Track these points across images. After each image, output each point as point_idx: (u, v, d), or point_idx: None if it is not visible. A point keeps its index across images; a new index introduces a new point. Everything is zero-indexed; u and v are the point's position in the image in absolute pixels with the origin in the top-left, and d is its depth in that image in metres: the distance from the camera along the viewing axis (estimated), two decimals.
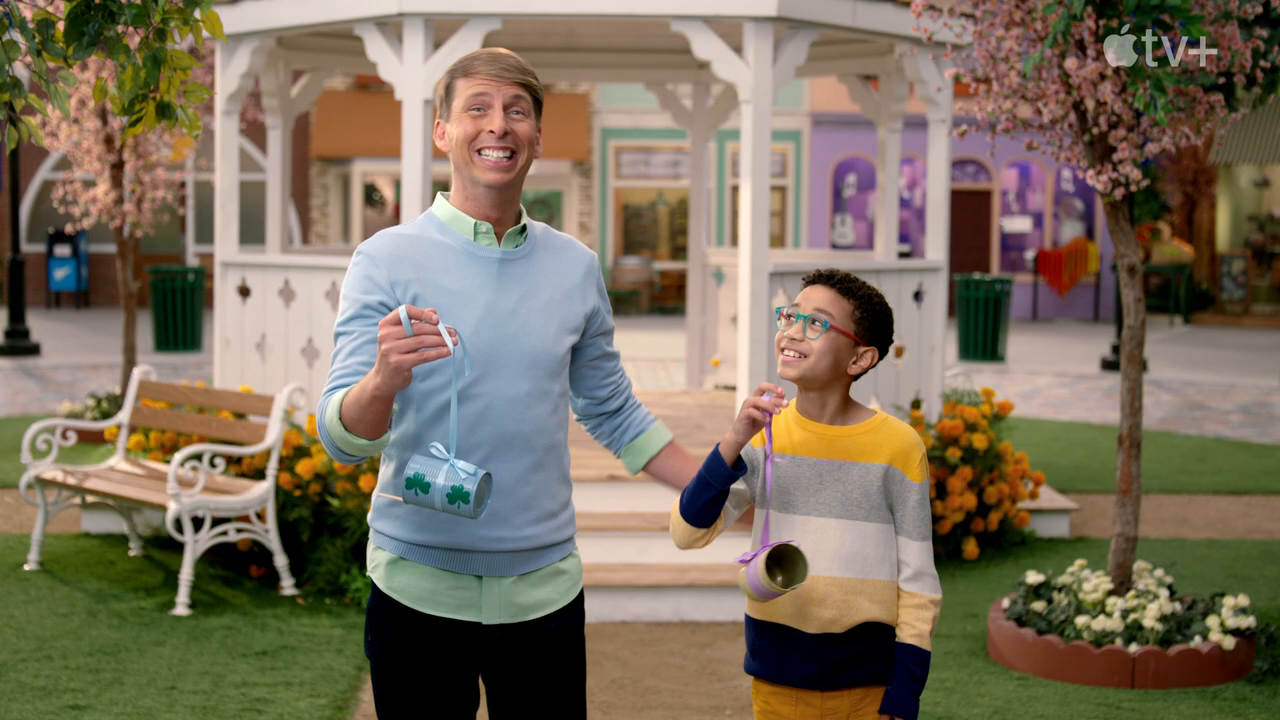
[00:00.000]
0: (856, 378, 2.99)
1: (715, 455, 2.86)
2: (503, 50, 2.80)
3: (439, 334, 2.45)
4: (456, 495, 2.56)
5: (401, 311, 2.43)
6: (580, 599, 2.96)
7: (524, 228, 2.83)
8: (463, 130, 2.74)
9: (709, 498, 2.88)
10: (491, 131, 2.71)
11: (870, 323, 2.98)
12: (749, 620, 3.05)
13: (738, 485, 2.98)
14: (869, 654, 2.97)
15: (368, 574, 2.92)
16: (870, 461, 2.94)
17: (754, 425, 2.80)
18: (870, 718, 2.99)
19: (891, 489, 2.96)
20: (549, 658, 2.87)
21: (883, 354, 3.02)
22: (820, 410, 2.99)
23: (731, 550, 6.78)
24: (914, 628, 2.96)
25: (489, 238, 2.78)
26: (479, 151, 2.73)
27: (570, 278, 2.87)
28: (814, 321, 2.93)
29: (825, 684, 2.96)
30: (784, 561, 2.85)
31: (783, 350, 2.96)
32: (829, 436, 2.97)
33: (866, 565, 2.94)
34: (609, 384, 3.04)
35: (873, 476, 2.94)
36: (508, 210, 2.80)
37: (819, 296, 2.96)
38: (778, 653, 2.98)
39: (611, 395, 3.05)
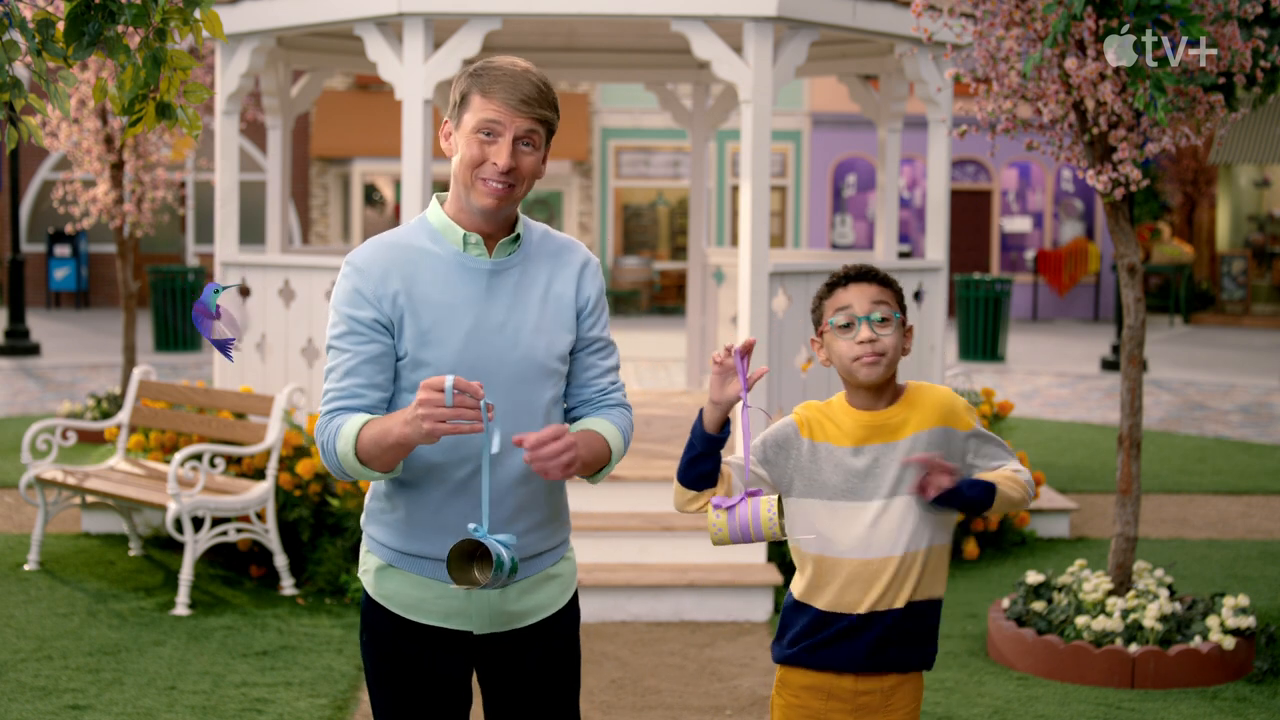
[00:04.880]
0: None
1: (698, 417, 2.88)
2: (526, 71, 2.72)
3: (478, 410, 2.50)
4: (512, 568, 2.62)
5: (448, 381, 2.49)
6: (574, 601, 2.93)
7: (516, 237, 2.80)
8: (469, 153, 2.71)
9: (691, 456, 2.88)
10: (495, 164, 2.69)
11: (903, 301, 3.04)
12: (793, 605, 3.05)
13: (755, 469, 3.00)
14: (912, 635, 3.00)
15: (359, 575, 2.92)
16: (918, 430, 2.97)
17: (722, 380, 2.81)
18: (900, 712, 3.01)
19: (954, 447, 2.99)
20: (542, 661, 2.86)
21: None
22: (877, 400, 3.01)
23: (724, 552, 6.78)
24: (997, 476, 2.98)
25: (479, 249, 2.76)
26: (481, 178, 2.71)
27: (563, 281, 2.83)
28: (883, 320, 2.95)
29: (867, 666, 2.98)
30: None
31: (858, 359, 2.95)
32: (877, 424, 2.99)
33: (919, 536, 2.97)
34: (582, 393, 2.88)
35: (923, 441, 2.96)
36: (502, 224, 2.79)
37: (871, 293, 2.97)
38: (823, 638, 2.99)
39: (581, 405, 2.89)
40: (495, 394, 2.70)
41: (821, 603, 3.01)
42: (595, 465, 2.76)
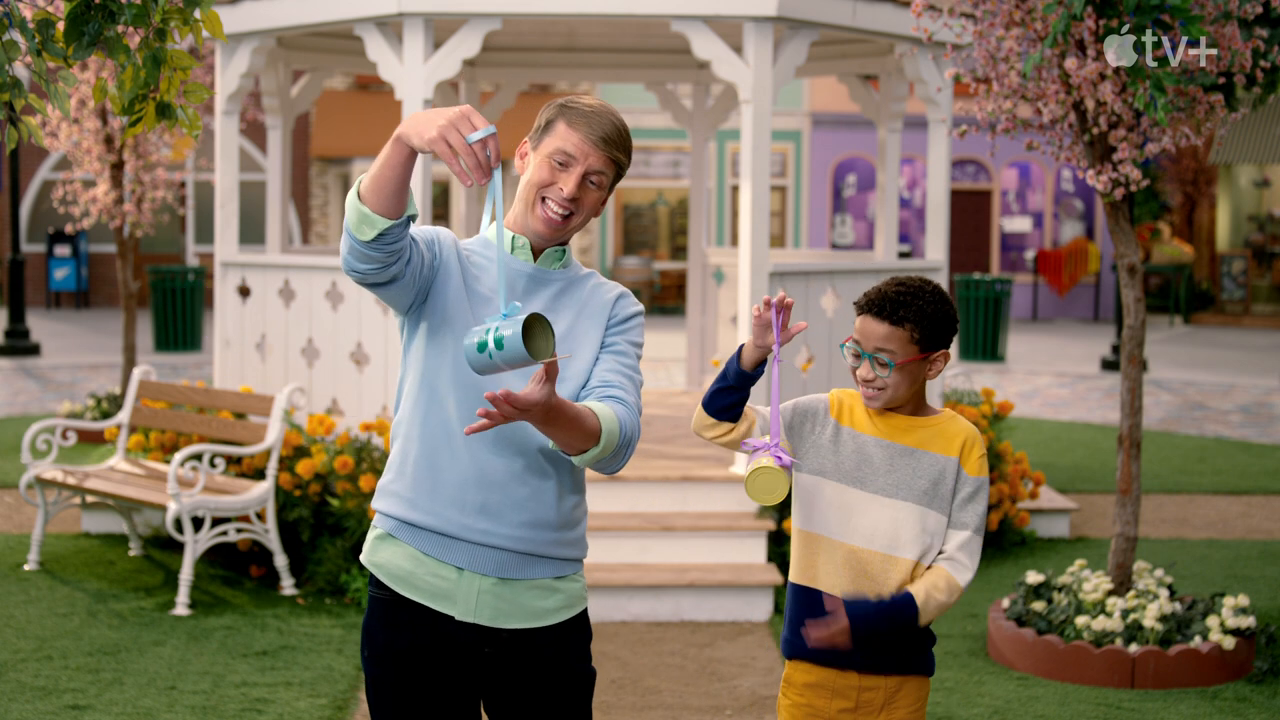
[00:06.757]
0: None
1: (736, 352, 2.94)
2: (611, 114, 2.84)
3: (484, 163, 2.53)
4: (500, 344, 2.50)
5: (489, 128, 2.51)
6: (576, 626, 2.90)
7: (562, 253, 2.89)
8: (539, 175, 2.81)
9: (720, 388, 2.96)
10: (561, 189, 2.79)
11: (931, 333, 2.99)
12: (796, 591, 3.08)
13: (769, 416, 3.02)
14: (913, 640, 3.04)
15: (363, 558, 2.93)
16: (941, 453, 3.02)
17: (763, 330, 2.88)
18: (903, 710, 3.04)
19: (956, 483, 3.03)
20: (538, 680, 2.85)
21: (948, 345, 3.06)
22: (899, 408, 3.07)
23: (724, 553, 6.79)
24: (923, 590, 2.97)
25: (525, 253, 2.86)
26: (543, 199, 2.82)
27: (601, 300, 2.90)
28: (880, 364, 2.99)
29: (868, 664, 3.01)
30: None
31: (863, 382, 3.04)
32: (903, 426, 3.04)
33: (922, 551, 3.01)
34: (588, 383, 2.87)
35: (942, 467, 3.02)
36: (550, 240, 2.88)
37: (875, 332, 2.99)
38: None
39: (580, 391, 2.86)
40: (513, 383, 2.75)
41: (818, 583, 3.04)
42: (574, 426, 2.65)
